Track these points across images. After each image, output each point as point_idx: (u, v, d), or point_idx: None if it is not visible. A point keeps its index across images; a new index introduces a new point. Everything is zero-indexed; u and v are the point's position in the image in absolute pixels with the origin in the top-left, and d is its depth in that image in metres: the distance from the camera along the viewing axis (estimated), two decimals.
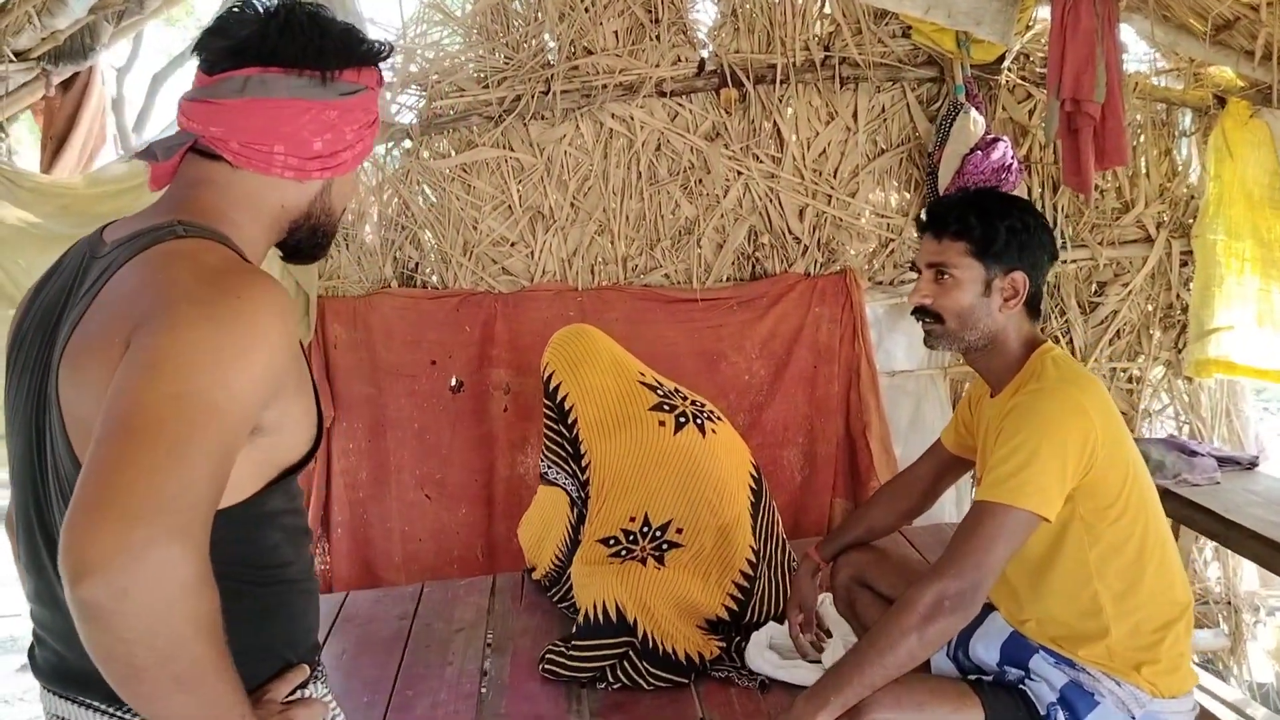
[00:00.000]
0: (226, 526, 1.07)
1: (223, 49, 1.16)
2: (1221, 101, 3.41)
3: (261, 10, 1.18)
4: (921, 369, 3.64)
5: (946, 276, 1.83)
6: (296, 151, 1.17)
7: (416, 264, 3.54)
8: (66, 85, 3.52)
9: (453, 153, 3.47)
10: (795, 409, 3.51)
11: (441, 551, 3.55)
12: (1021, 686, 1.79)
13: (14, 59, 3.14)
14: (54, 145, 3.66)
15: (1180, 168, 3.62)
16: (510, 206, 3.49)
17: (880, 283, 3.60)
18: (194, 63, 1.22)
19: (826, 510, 3.55)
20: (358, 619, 2.90)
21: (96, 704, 1.12)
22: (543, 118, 3.42)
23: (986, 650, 1.89)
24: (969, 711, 1.73)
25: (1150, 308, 3.63)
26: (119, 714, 1.12)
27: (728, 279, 3.56)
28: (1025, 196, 3.50)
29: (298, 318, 1.11)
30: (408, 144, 3.46)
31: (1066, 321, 3.62)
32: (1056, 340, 3.63)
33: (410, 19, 3.47)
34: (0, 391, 1.30)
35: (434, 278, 3.56)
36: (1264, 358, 3.36)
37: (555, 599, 2.82)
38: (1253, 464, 3.24)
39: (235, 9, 1.18)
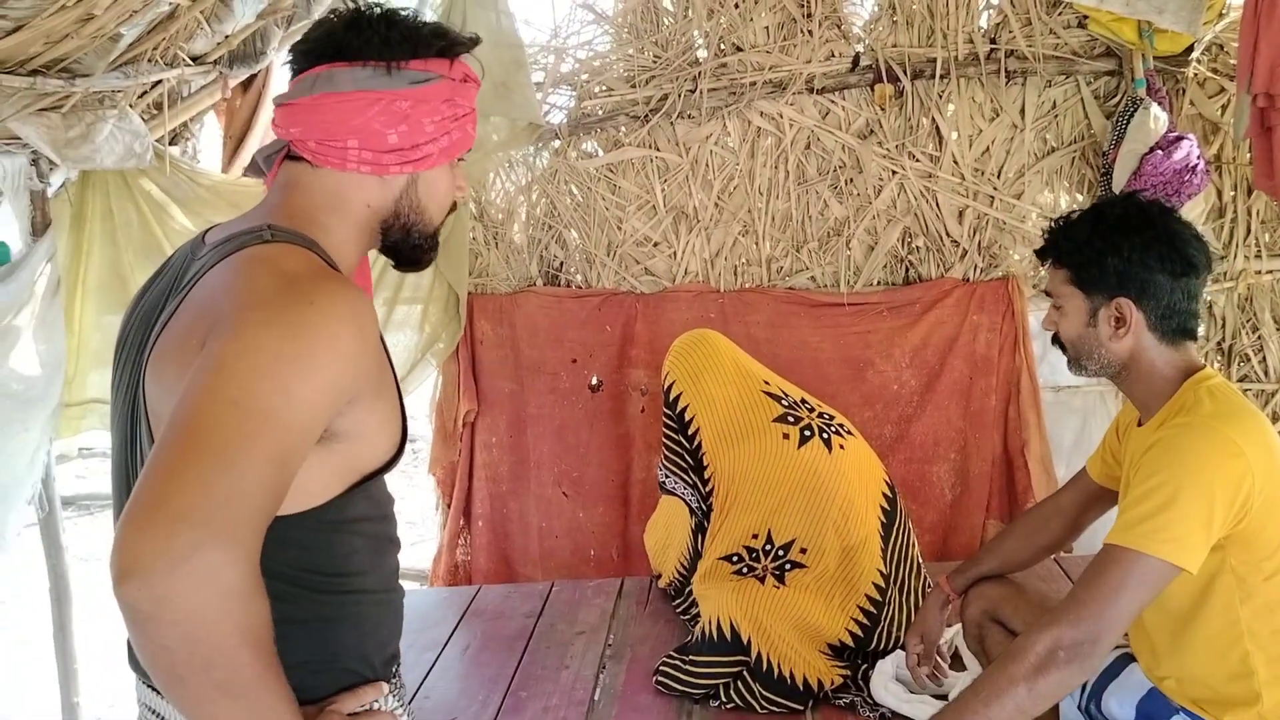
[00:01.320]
0: (298, 532, 1.09)
1: (300, 52, 1.19)
2: None
3: (338, 14, 1.20)
4: (1090, 385, 3.36)
5: (1059, 307, 1.71)
6: (371, 145, 1.16)
7: (561, 263, 3.56)
8: (245, 86, 3.73)
9: (599, 152, 3.47)
10: (948, 423, 3.32)
11: (578, 549, 3.56)
12: None
13: (190, 63, 3.33)
14: (233, 145, 3.90)
15: None
16: (654, 206, 3.45)
17: (1048, 291, 3.35)
18: None
19: (979, 532, 3.34)
20: (486, 614, 2.94)
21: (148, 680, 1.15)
22: (689, 117, 3.36)
23: (1120, 706, 1.71)
24: None
25: None
26: None
27: (878, 283, 3.40)
28: (1215, 199, 3.19)
29: (375, 328, 1.09)
30: (556, 144, 3.48)
31: (1259, 338, 3.27)
32: (1247, 359, 3.29)
33: (562, 19, 3.48)
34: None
35: (578, 277, 3.56)
36: None
37: (679, 609, 2.77)
38: None
39: (321, 18, 1.23)
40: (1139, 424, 1.74)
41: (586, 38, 3.50)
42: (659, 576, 2.93)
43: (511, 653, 2.66)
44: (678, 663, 2.37)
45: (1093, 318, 1.68)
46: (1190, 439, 1.52)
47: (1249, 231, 3.22)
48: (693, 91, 3.31)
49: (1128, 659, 1.77)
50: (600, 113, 3.41)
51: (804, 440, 2.42)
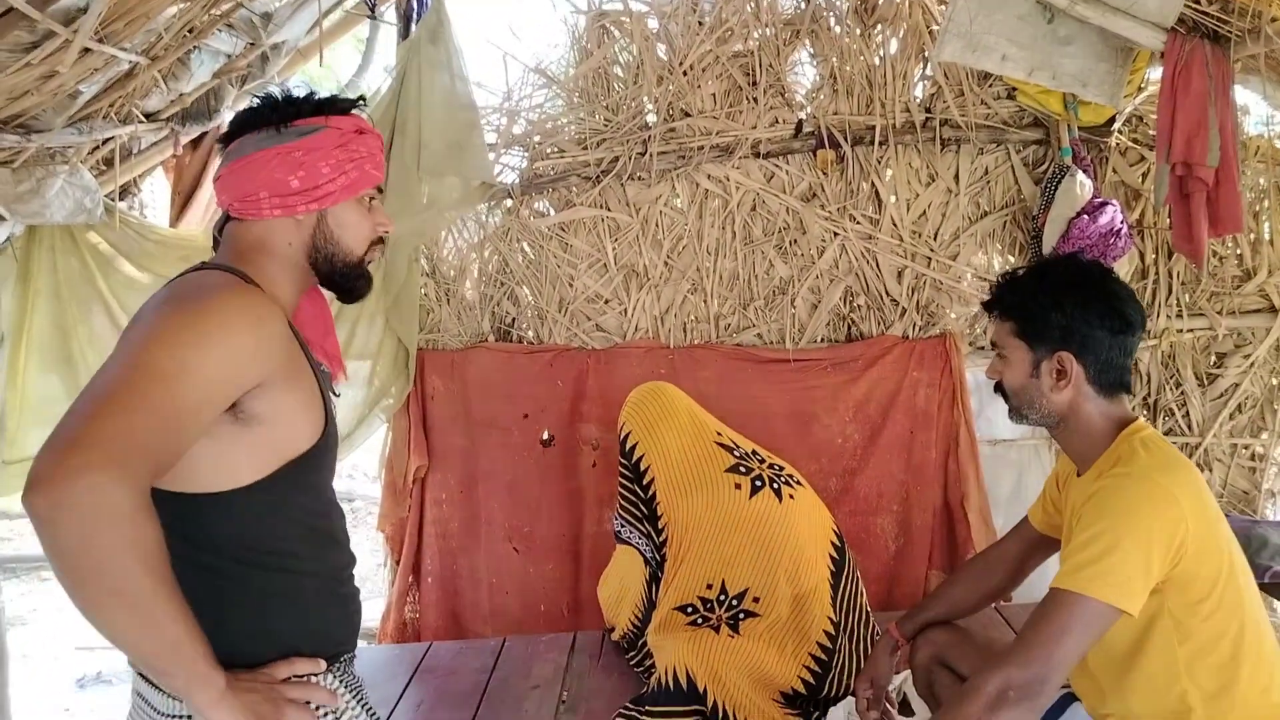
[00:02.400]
0: (234, 509, 1.29)
1: (222, 138, 1.46)
2: None
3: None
4: (1025, 439, 3.50)
5: (1003, 356, 1.80)
6: (278, 191, 1.39)
7: (513, 319, 3.61)
8: (195, 144, 3.75)
9: (551, 212, 3.54)
10: (890, 476, 3.42)
11: (528, 605, 3.55)
12: None
13: (144, 119, 3.34)
14: (181, 200, 3.89)
15: None
16: (605, 264, 3.53)
17: (982, 348, 3.49)
18: None
19: (922, 582, 3.42)
20: (438, 670, 2.92)
21: (144, 673, 1.32)
22: (639, 178, 3.46)
23: None
24: None
25: (1275, 381, 3.42)
26: (151, 679, 1.31)
27: (822, 340, 3.51)
28: (1138, 261, 3.37)
29: (277, 326, 1.31)
30: (509, 203, 3.54)
31: (1183, 394, 3.44)
32: (1171, 413, 3.45)
33: (515, 83, 3.57)
34: None
35: (530, 333, 3.61)
36: None
37: (633, 662, 2.78)
38: None
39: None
40: (1078, 474, 1.83)
41: (538, 101, 3.59)
42: (612, 629, 2.94)
43: (466, 709, 2.65)
44: (635, 714, 2.39)
45: (1035, 369, 1.77)
46: (1129, 489, 1.61)
47: (1170, 292, 3.40)
48: (643, 154, 3.42)
49: (1071, 699, 1.84)
50: (552, 173, 3.49)
51: (755, 490, 2.49)
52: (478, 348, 3.55)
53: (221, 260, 1.40)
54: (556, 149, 3.51)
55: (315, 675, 1.37)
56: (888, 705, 2.23)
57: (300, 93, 1.46)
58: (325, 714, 1.35)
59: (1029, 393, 1.79)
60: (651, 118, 3.46)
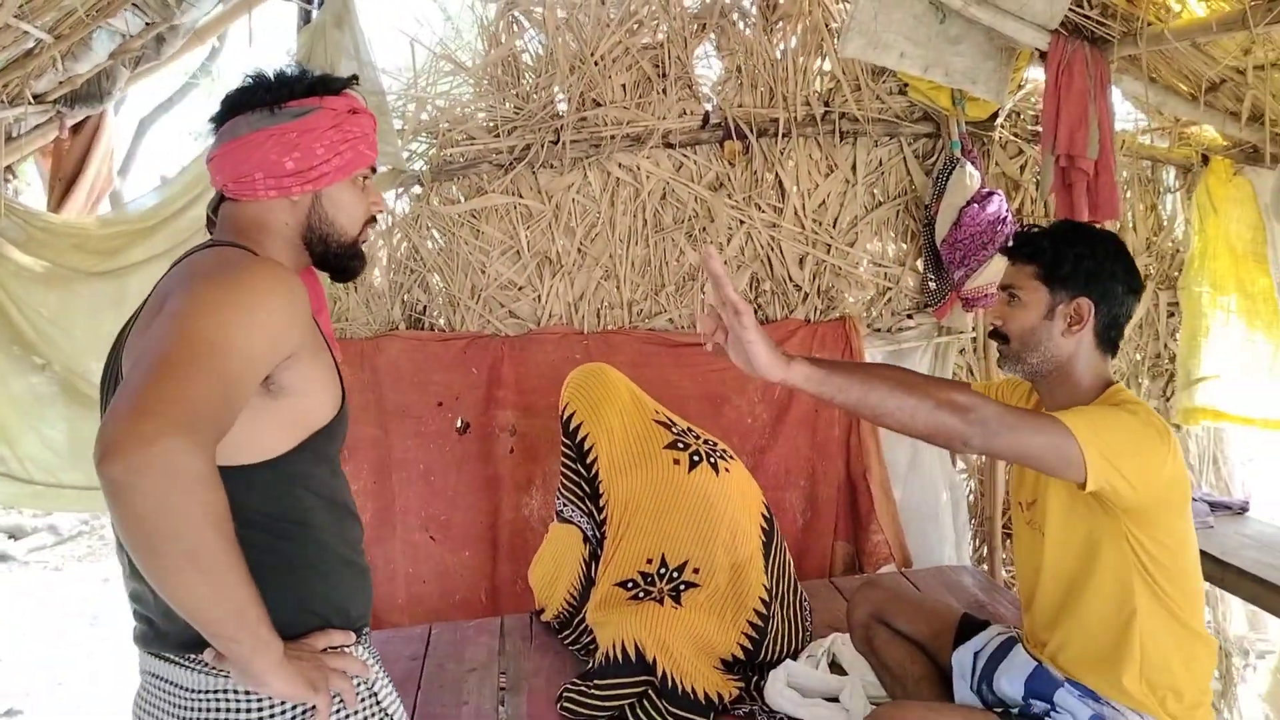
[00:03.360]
0: (262, 482, 1.32)
1: (212, 120, 1.48)
2: (1205, 159, 3.55)
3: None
4: None
5: (1016, 299, 1.89)
6: (273, 172, 1.41)
7: (424, 307, 3.59)
8: (76, 129, 3.57)
9: (462, 199, 3.54)
10: (797, 452, 3.58)
11: (445, 594, 3.55)
12: (1049, 719, 1.84)
13: (32, 101, 3.18)
14: (62, 187, 3.71)
15: (1166, 222, 3.76)
16: (518, 251, 3.56)
17: (878, 330, 3.69)
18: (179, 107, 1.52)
19: (828, 554, 3.60)
20: None
21: (167, 655, 1.34)
22: (551, 166, 3.50)
23: (1011, 684, 1.94)
24: None
25: (1139, 357, 3.74)
26: (178, 659, 1.33)
27: None
28: None
29: (304, 299, 1.34)
30: (418, 190, 3.52)
31: None
32: None
33: (421, 68, 3.55)
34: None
35: (441, 320, 3.60)
36: (1250, 405, 3.47)
37: (567, 641, 2.83)
38: (1243, 509, 3.33)
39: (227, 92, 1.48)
40: None
41: (445, 88, 3.59)
42: (541, 611, 2.98)
43: (405, 694, 2.64)
44: (582, 688, 2.45)
45: (1050, 312, 1.87)
46: (1128, 413, 1.73)
47: None
48: (555, 142, 3.46)
49: (1013, 641, 2.01)
50: (463, 160, 3.49)
51: (693, 465, 2.58)
52: (388, 336, 3.52)
53: (226, 238, 1.41)
54: (466, 136, 3.51)
55: (348, 646, 1.38)
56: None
57: (296, 74, 1.47)
58: (359, 684, 1.38)
59: (1038, 334, 1.87)
60: (563, 107, 3.51)
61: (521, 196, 3.53)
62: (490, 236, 3.54)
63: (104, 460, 1.05)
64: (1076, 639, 1.85)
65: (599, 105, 3.49)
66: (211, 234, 1.59)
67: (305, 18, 3.51)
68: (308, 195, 1.45)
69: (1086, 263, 1.89)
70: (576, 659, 2.75)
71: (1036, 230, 2.00)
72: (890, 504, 3.53)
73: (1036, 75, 3.55)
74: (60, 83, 3.18)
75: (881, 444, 3.58)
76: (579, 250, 3.56)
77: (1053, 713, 1.84)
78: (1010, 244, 2.01)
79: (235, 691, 1.31)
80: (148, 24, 3.14)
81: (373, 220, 1.57)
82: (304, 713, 1.32)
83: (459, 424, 3.53)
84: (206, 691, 1.32)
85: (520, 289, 3.58)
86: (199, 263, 1.33)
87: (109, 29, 2.92)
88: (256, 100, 1.43)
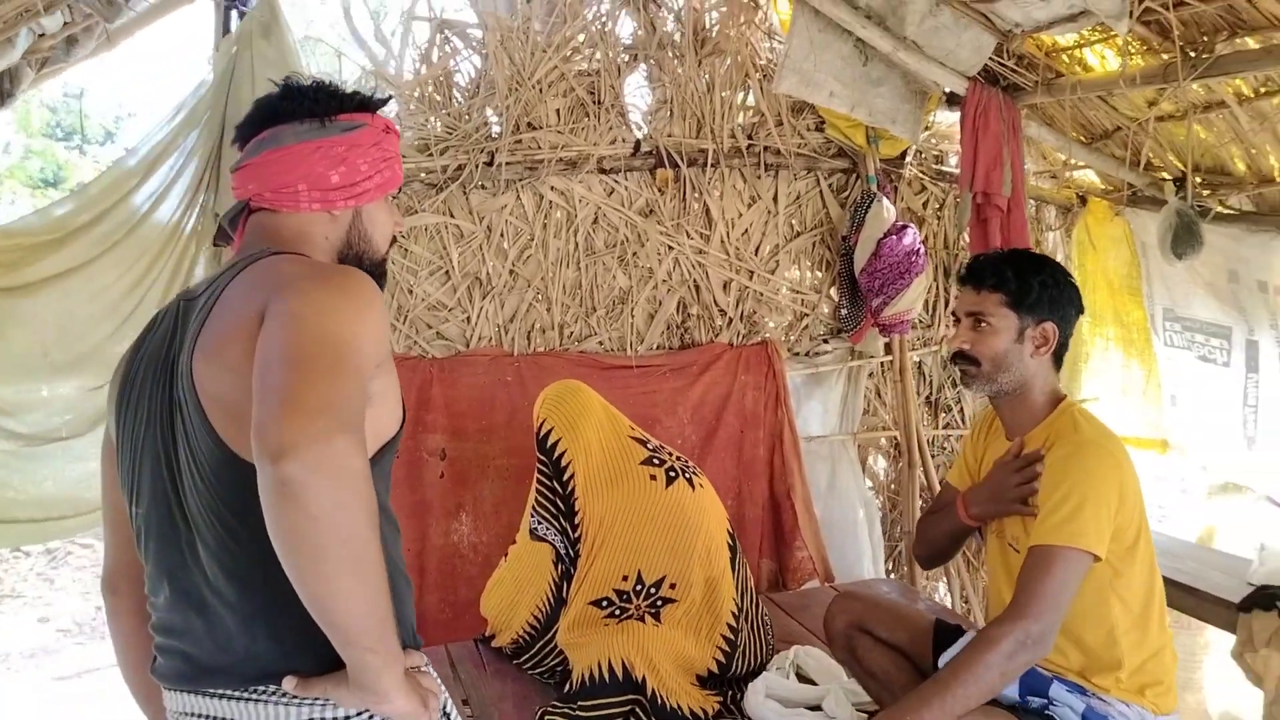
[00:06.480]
0: None
1: (244, 124, 1.43)
2: (1083, 201, 3.91)
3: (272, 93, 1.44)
4: (834, 435, 3.89)
5: (984, 324, 2.05)
6: (318, 185, 1.39)
7: None
8: None
9: None
10: (725, 472, 3.66)
11: None
12: (1048, 713, 1.98)
13: None
14: None
15: None
16: (447, 272, 3.51)
17: (797, 354, 3.85)
18: None
19: (756, 571, 3.69)
20: None
21: (224, 691, 1.26)
22: (484, 187, 3.49)
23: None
24: None
25: None
26: (243, 694, 1.25)
27: (658, 347, 3.71)
28: (928, 279, 3.87)
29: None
30: None
31: (959, 393, 3.98)
32: (949, 409, 3.99)
33: (352, 85, 3.45)
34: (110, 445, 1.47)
35: None
36: (1126, 425, 3.81)
37: (526, 667, 2.79)
38: None
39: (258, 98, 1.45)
40: (1007, 437, 2.14)
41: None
42: (491, 637, 2.93)
43: None
44: (566, 709, 2.42)
45: (1020, 335, 2.04)
46: (1088, 454, 1.92)
47: (948, 304, 3.94)
48: (489, 164, 3.45)
49: None
50: None
51: (670, 480, 2.62)
52: None
53: (275, 248, 1.37)
54: None
55: (424, 666, 1.35)
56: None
57: (338, 87, 1.47)
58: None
59: (1009, 357, 2.04)
60: (497, 128, 3.50)
61: (453, 216, 3.49)
62: (419, 256, 3.48)
63: (283, 459, 1.03)
64: (1062, 647, 2.00)
65: (534, 129, 3.51)
66: (219, 244, 1.55)
67: (225, 26, 3.38)
68: (349, 211, 1.43)
69: (1050, 290, 2.09)
70: (541, 683, 2.72)
71: (993, 258, 2.18)
72: (813, 521, 3.67)
73: (942, 118, 3.82)
74: None
75: (804, 463, 3.72)
76: (510, 272, 3.55)
77: (1051, 706, 1.98)
78: (969, 273, 2.18)
79: (323, 719, 1.26)
80: (66, 23, 2.95)
81: (394, 241, 1.57)
82: None
83: None
84: None
85: (449, 310, 3.53)
86: (287, 269, 1.29)
87: (35, 29, 2.73)
88: (303, 111, 1.40)
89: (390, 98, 1.54)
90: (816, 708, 2.44)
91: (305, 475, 1.03)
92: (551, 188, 3.54)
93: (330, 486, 1.04)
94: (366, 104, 1.47)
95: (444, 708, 1.39)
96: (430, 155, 3.44)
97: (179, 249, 3.05)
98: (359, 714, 1.25)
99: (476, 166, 3.44)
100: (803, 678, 2.62)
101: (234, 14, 3.40)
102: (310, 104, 1.41)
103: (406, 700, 1.19)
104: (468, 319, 3.55)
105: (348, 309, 1.20)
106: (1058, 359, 2.11)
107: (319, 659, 1.22)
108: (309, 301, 1.18)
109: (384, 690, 1.16)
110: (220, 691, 1.26)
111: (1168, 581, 2.97)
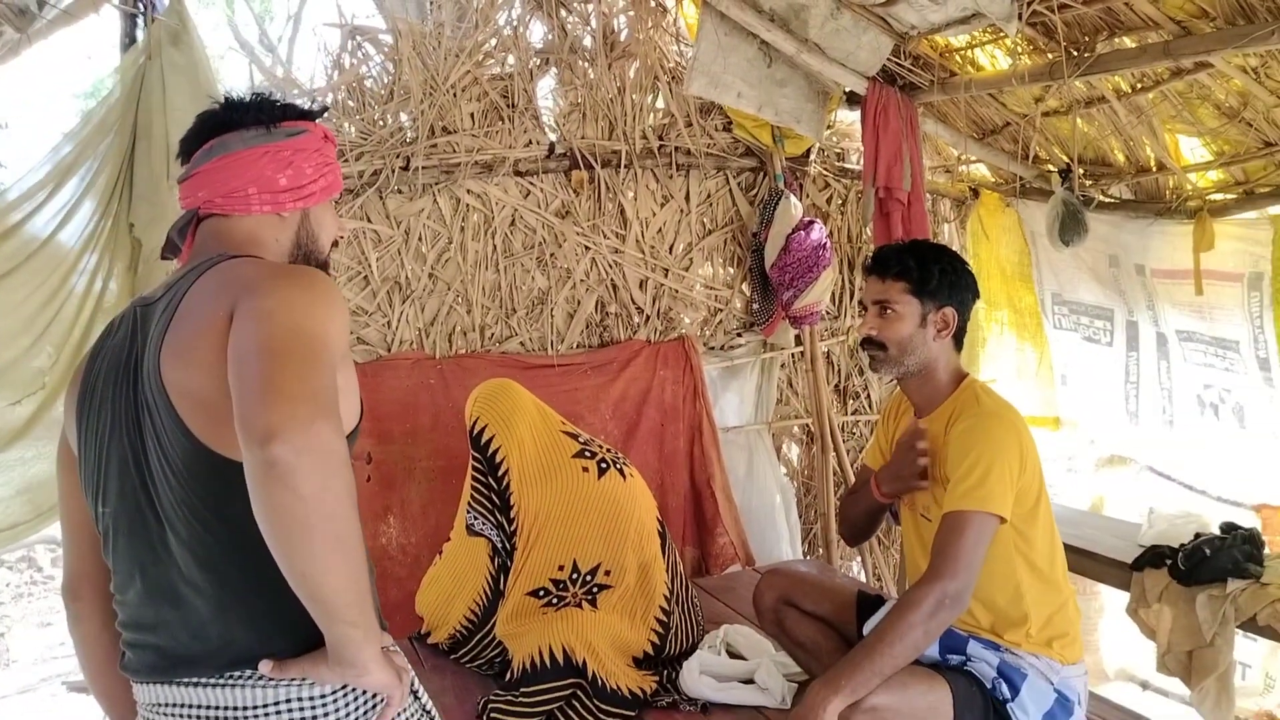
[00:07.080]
0: None
1: (190, 137, 1.48)
2: (975, 193, 4.13)
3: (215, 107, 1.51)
4: (750, 425, 4.03)
5: (890, 311, 2.18)
6: (267, 188, 1.44)
7: None
8: None
9: None
10: (647, 465, 3.76)
11: None
12: (967, 668, 2.13)
13: None
14: None
15: None
16: (367, 277, 3.52)
17: (712, 348, 3.97)
18: None
19: (681, 558, 3.79)
20: None
21: (199, 679, 1.29)
22: (400, 192, 3.51)
23: None
24: (940, 689, 2.04)
25: None
26: (218, 680, 1.28)
27: (579, 346, 3.78)
28: (835, 272, 4.03)
29: None
30: None
31: (865, 380, 4.17)
32: (857, 395, 4.16)
33: (260, 88, 3.44)
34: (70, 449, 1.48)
35: None
36: (1023, 405, 4.02)
37: (464, 661, 2.83)
38: None
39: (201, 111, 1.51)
40: (916, 415, 2.28)
41: None
42: (426, 634, 2.96)
43: None
44: (508, 697, 2.48)
45: (923, 320, 2.18)
46: (988, 425, 2.06)
47: (853, 295, 4.11)
48: (405, 168, 3.47)
49: None
50: None
51: (602, 472, 2.71)
52: None
53: (230, 252, 1.40)
54: None
55: (392, 646, 1.40)
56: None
57: (278, 98, 1.52)
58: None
59: (914, 341, 2.18)
60: (412, 133, 3.53)
61: (370, 221, 3.50)
62: (337, 262, 3.48)
63: (270, 442, 1.07)
64: (973, 608, 2.14)
65: (450, 133, 3.54)
66: (167, 257, 1.58)
67: (131, 35, 3.33)
68: (296, 213, 1.48)
69: (950, 277, 2.24)
70: (480, 675, 2.77)
71: (896, 249, 2.33)
72: (733, 508, 3.80)
73: (843, 117, 3.99)
74: None
75: (723, 453, 3.84)
76: (430, 275, 3.58)
77: (970, 663, 2.13)
78: (874, 263, 2.32)
79: (300, 698, 1.30)
80: None
81: (335, 244, 1.62)
82: (369, 710, 1.32)
83: None
84: (266, 705, 1.28)
85: (370, 315, 3.55)
86: (250, 270, 1.34)
87: None
88: (249, 119, 1.45)
89: (328, 108, 1.61)
90: (749, 681, 2.56)
91: (293, 457, 1.07)
92: (468, 191, 3.59)
93: (317, 467, 1.09)
94: (308, 113, 1.53)
95: (412, 685, 1.44)
96: (346, 161, 3.44)
97: (95, 259, 3.00)
98: (336, 690, 1.30)
99: (393, 171, 3.46)
100: (733, 654, 2.73)
101: (139, 23, 3.35)
102: (255, 112, 1.46)
103: (384, 672, 1.24)
104: (388, 323, 3.57)
105: (316, 304, 1.25)
106: (958, 341, 2.26)
107: (294, 642, 1.26)
108: (280, 299, 1.23)
109: (364, 663, 1.21)
110: (195, 680, 1.29)
111: (1066, 547, 3.20)
